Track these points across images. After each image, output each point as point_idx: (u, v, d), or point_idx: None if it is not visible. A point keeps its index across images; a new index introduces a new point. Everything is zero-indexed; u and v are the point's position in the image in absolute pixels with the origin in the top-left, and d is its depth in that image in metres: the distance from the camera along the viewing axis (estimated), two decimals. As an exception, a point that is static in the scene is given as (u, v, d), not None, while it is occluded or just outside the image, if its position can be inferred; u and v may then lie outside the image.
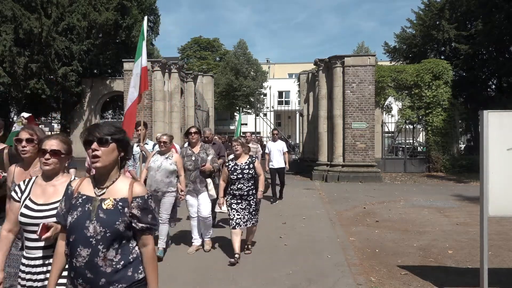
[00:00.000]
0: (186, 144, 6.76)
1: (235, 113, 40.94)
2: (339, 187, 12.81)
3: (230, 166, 5.28)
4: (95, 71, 19.01)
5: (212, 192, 5.52)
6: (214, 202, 5.77)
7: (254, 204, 5.30)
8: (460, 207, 9.27)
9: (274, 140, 10.09)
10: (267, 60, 51.74)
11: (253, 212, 5.33)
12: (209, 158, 5.52)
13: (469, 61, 21.31)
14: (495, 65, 20.15)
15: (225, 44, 49.41)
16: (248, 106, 37.54)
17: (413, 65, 17.80)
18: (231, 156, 5.71)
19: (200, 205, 5.56)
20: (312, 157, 16.45)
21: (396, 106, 18.19)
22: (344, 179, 13.97)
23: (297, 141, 20.71)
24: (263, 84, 39.30)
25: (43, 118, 20.66)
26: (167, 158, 5.30)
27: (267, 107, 22.00)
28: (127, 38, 18.52)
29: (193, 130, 5.62)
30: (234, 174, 5.20)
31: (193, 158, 5.51)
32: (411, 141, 18.91)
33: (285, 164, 9.97)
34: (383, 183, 13.87)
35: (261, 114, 22.53)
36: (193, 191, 5.55)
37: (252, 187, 5.27)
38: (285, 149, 9.99)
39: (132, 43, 18.90)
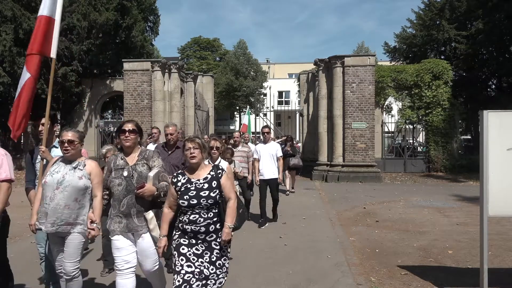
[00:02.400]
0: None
1: (235, 113, 41.01)
2: (339, 187, 12.81)
3: (179, 184, 3.09)
4: (95, 71, 19.01)
5: (156, 232, 3.26)
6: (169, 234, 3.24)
7: (218, 248, 3.08)
8: (460, 207, 9.28)
9: (265, 141, 7.57)
10: (267, 60, 51.75)
11: (218, 263, 3.08)
12: (152, 173, 3.26)
13: (469, 61, 21.36)
14: (495, 65, 20.19)
15: (225, 44, 49.53)
16: (248, 106, 37.50)
17: (413, 65, 17.82)
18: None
19: (141, 254, 3.36)
20: (312, 157, 16.45)
21: (396, 106, 18.20)
22: (344, 179, 13.97)
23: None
24: (263, 84, 39.32)
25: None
26: (75, 168, 3.29)
27: (267, 107, 22.02)
28: (127, 38, 18.53)
29: (128, 126, 3.36)
30: (185, 197, 3.01)
31: (125, 174, 3.29)
32: (410, 141, 18.94)
33: (279, 173, 7.53)
34: (383, 183, 13.88)
35: (261, 114, 22.55)
36: (126, 230, 3.29)
37: (216, 219, 3.06)
38: (279, 154, 7.52)
39: (132, 43, 18.91)
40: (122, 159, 3.40)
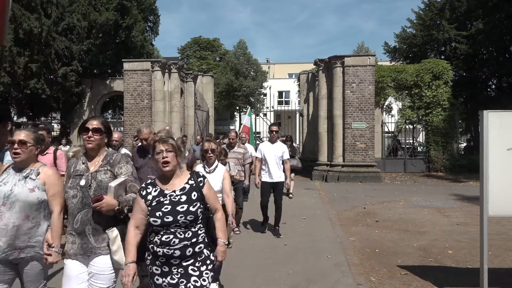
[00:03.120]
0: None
1: (235, 113, 41.02)
2: (339, 187, 12.81)
3: (150, 197, 2.48)
4: (95, 71, 19.02)
5: (120, 255, 2.56)
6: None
7: (197, 274, 2.46)
8: (460, 207, 9.28)
9: (272, 140, 6.75)
10: (267, 60, 51.75)
11: None
12: (113, 183, 2.57)
13: (469, 61, 21.36)
14: (495, 65, 20.20)
15: (225, 44, 49.52)
16: (248, 106, 37.51)
17: (413, 65, 17.82)
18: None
19: (91, 281, 2.61)
20: (312, 157, 16.46)
21: (396, 106, 18.21)
22: (344, 179, 13.97)
23: (297, 142, 20.70)
24: (263, 84, 39.33)
25: (43, 118, 20.68)
26: (26, 177, 2.69)
27: (267, 107, 22.02)
28: (127, 38, 18.53)
29: (93, 124, 2.73)
30: (157, 214, 2.40)
31: (82, 183, 2.63)
32: (411, 141, 18.96)
33: (286, 178, 6.77)
34: (383, 183, 13.88)
35: (261, 114, 22.57)
36: (81, 252, 2.61)
37: (194, 240, 2.46)
38: (286, 156, 6.72)
39: (132, 43, 18.91)
40: (83, 163, 2.72)
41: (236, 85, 36.93)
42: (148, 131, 4.58)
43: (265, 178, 6.60)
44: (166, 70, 15.35)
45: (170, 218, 2.38)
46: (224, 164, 5.17)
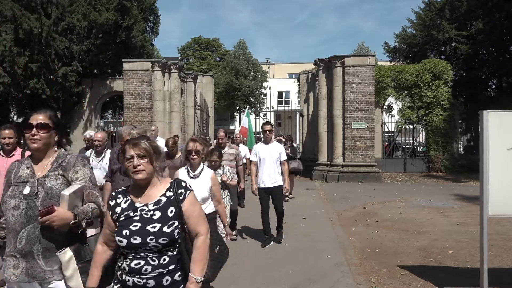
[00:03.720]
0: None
1: (235, 113, 41.01)
2: (339, 187, 12.81)
3: (118, 210, 1.99)
4: (95, 71, 19.01)
5: (76, 282, 2.07)
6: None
7: None
8: (460, 207, 9.28)
9: (266, 141, 6.09)
10: (267, 60, 51.73)
11: None
12: (67, 191, 2.09)
13: (469, 61, 21.37)
14: (495, 65, 20.21)
15: (225, 44, 49.51)
16: (248, 106, 37.50)
17: (413, 65, 17.82)
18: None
19: None
20: (312, 157, 16.45)
21: (396, 106, 18.21)
22: (344, 179, 13.97)
23: (297, 142, 20.69)
24: (263, 84, 39.32)
25: (43, 118, 20.63)
26: None
27: (267, 107, 22.03)
28: (127, 38, 18.52)
29: (38, 118, 2.20)
30: (124, 233, 1.92)
31: (25, 192, 2.12)
32: (410, 141, 18.97)
33: (284, 181, 6.04)
34: (383, 183, 13.88)
35: (261, 114, 22.58)
36: (26, 279, 2.09)
37: (172, 267, 1.93)
38: (284, 157, 6.04)
39: (132, 43, 18.91)
40: (28, 167, 2.19)
41: (236, 85, 36.93)
42: (133, 132, 3.89)
43: (261, 183, 5.94)
44: (166, 70, 15.35)
45: (138, 240, 1.88)
46: (219, 167, 4.79)
